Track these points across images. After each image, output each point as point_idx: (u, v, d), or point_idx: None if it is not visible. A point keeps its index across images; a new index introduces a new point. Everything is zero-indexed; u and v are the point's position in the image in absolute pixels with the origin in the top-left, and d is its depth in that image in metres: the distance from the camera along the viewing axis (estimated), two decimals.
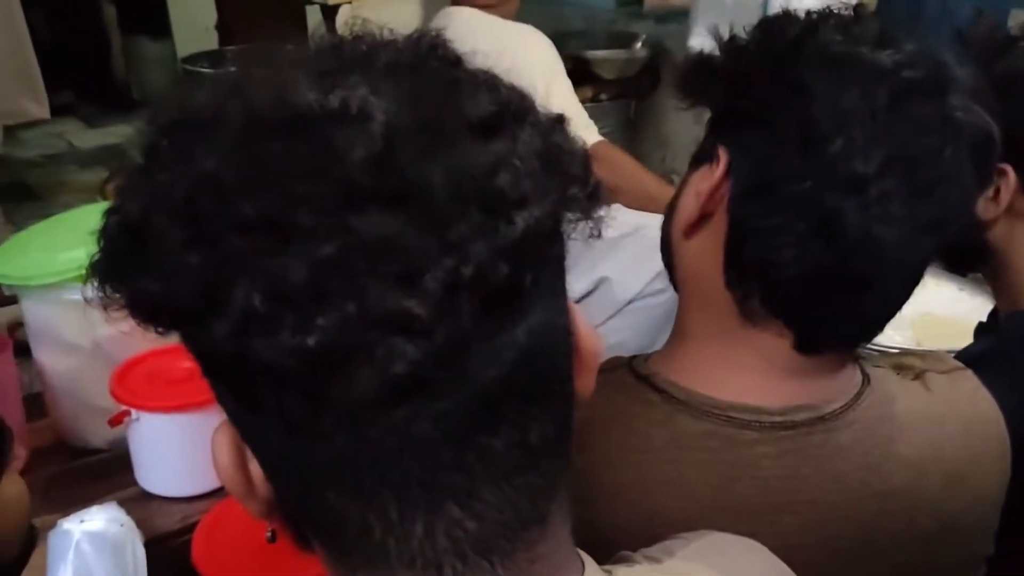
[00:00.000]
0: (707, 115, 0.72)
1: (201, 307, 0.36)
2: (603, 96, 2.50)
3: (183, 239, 0.36)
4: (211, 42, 3.57)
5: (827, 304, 0.66)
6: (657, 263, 0.77)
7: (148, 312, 0.39)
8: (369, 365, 0.36)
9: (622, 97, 2.57)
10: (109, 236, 0.40)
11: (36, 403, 1.25)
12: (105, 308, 0.40)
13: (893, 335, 1.31)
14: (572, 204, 0.41)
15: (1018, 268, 0.95)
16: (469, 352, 0.37)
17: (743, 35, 0.68)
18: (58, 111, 4.39)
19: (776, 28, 0.66)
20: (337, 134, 0.36)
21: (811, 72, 0.62)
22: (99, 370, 1.16)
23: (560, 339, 0.42)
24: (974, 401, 0.75)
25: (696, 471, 0.67)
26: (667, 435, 0.68)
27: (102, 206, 0.41)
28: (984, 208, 0.93)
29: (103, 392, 1.12)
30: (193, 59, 2.86)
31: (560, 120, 0.43)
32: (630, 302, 1.67)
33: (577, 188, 0.41)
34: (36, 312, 1.21)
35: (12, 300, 1.26)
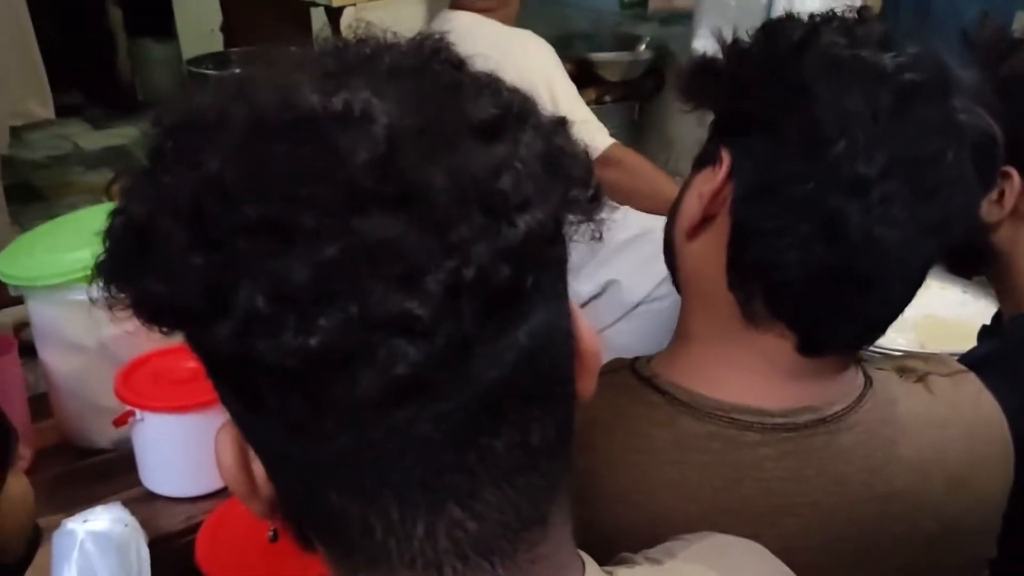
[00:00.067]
0: (711, 117, 0.72)
1: (205, 308, 0.37)
2: (607, 98, 2.50)
3: (187, 240, 0.37)
4: (216, 44, 3.58)
5: (829, 306, 0.66)
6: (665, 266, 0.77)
7: (152, 312, 0.40)
8: (371, 366, 0.36)
9: (626, 99, 2.57)
10: (114, 237, 0.40)
11: (41, 403, 1.26)
12: (110, 308, 0.40)
13: (896, 338, 1.31)
14: (574, 206, 0.41)
15: (1022, 271, 0.95)
16: (470, 353, 0.37)
17: (746, 38, 0.68)
18: (64, 112, 4.41)
19: (779, 31, 0.67)
20: (340, 136, 0.37)
21: (814, 74, 0.63)
22: (104, 370, 1.16)
23: (561, 341, 0.43)
24: (977, 404, 0.75)
25: (699, 472, 0.67)
26: (669, 436, 0.68)
27: (107, 207, 0.42)
28: (988, 211, 0.93)
29: (108, 392, 1.13)
30: (198, 61, 2.87)
31: (562, 123, 0.43)
32: (638, 305, 1.67)
33: (579, 190, 0.41)
34: (41, 313, 1.21)
35: (18, 301, 1.26)
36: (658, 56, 2.56)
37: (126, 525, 0.94)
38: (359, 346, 0.36)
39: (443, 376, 0.37)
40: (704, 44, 0.69)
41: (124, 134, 4.46)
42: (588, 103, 2.32)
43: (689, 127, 0.77)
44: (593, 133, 1.72)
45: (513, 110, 0.41)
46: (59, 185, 4.08)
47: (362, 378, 0.36)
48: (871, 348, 1.08)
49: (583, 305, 1.73)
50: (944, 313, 1.45)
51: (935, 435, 0.71)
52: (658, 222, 0.74)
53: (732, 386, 0.68)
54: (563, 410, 0.43)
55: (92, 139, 4.62)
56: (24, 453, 0.94)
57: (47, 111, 2.95)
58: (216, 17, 3.66)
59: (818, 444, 0.68)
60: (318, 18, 2.58)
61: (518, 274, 0.37)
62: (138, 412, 1.11)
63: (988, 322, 1.06)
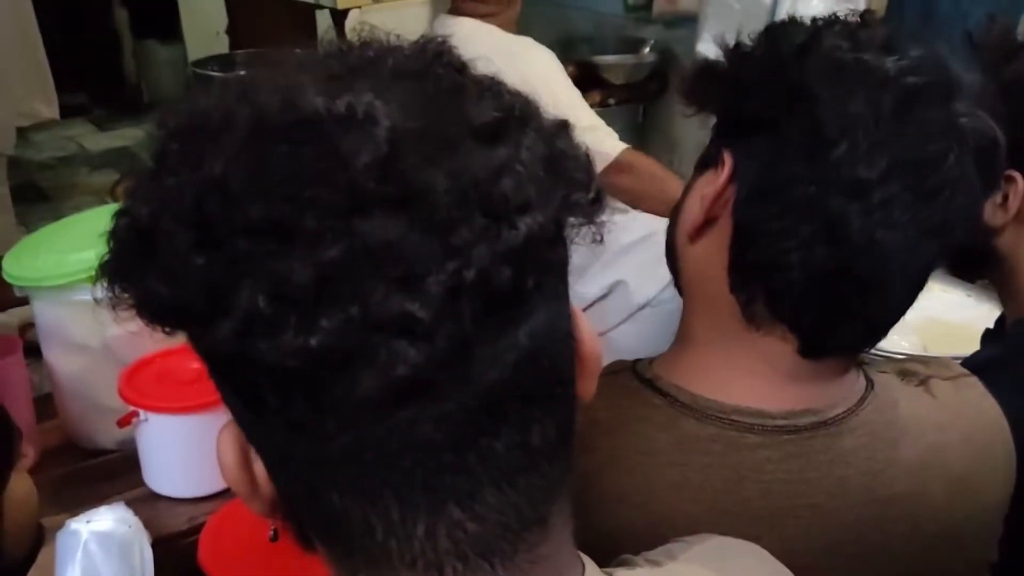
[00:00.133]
0: (714, 120, 0.72)
1: (206, 308, 0.37)
2: (611, 101, 2.49)
3: (190, 241, 0.37)
4: (222, 46, 3.59)
5: (831, 308, 0.66)
6: None
7: (155, 312, 0.40)
8: (371, 367, 0.36)
9: (630, 102, 2.57)
10: (118, 237, 0.41)
11: (46, 404, 1.26)
12: (113, 308, 0.41)
13: (900, 341, 1.31)
14: (575, 209, 0.41)
15: None
16: (471, 355, 0.37)
17: (748, 42, 0.68)
18: (70, 113, 4.41)
19: (782, 34, 0.67)
20: (342, 138, 0.37)
21: (816, 78, 0.63)
22: (108, 371, 1.16)
23: (562, 342, 0.43)
24: (979, 408, 0.75)
25: (700, 474, 0.67)
26: (671, 438, 0.68)
27: (112, 208, 0.42)
28: (992, 215, 0.93)
29: (112, 393, 1.13)
30: (203, 63, 2.87)
31: (564, 125, 0.43)
32: (644, 306, 1.67)
33: (580, 193, 0.41)
34: (46, 313, 1.22)
35: (23, 301, 1.26)
36: (662, 59, 2.56)
37: (129, 525, 0.94)
38: (360, 347, 0.36)
39: (444, 377, 0.37)
40: (708, 47, 0.69)
41: (129, 135, 4.48)
42: (592, 106, 2.32)
43: (693, 130, 0.77)
44: (603, 139, 1.72)
45: (515, 113, 0.41)
46: (64, 186, 4.09)
47: (363, 379, 0.36)
48: (874, 351, 1.09)
49: (589, 307, 1.74)
50: (947, 316, 1.45)
51: (936, 438, 0.71)
52: (664, 224, 0.74)
53: (733, 388, 0.68)
54: (564, 411, 0.43)
55: (97, 140, 4.64)
56: (27, 452, 0.95)
57: (52, 112, 2.95)
58: (222, 19, 3.67)
59: (819, 447, 0.68)
60: (323, 20, 2.58)
61: (519, 276, 0.37)
62: (142, 412, 1.12)
63: (991, 325, 1.06)
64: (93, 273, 0.41)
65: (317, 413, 0.38)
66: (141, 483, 1.17)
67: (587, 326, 0.46)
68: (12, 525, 0.88)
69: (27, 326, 1.33)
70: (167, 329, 0.40)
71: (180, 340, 0.41)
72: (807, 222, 0.63)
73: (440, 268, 0.36)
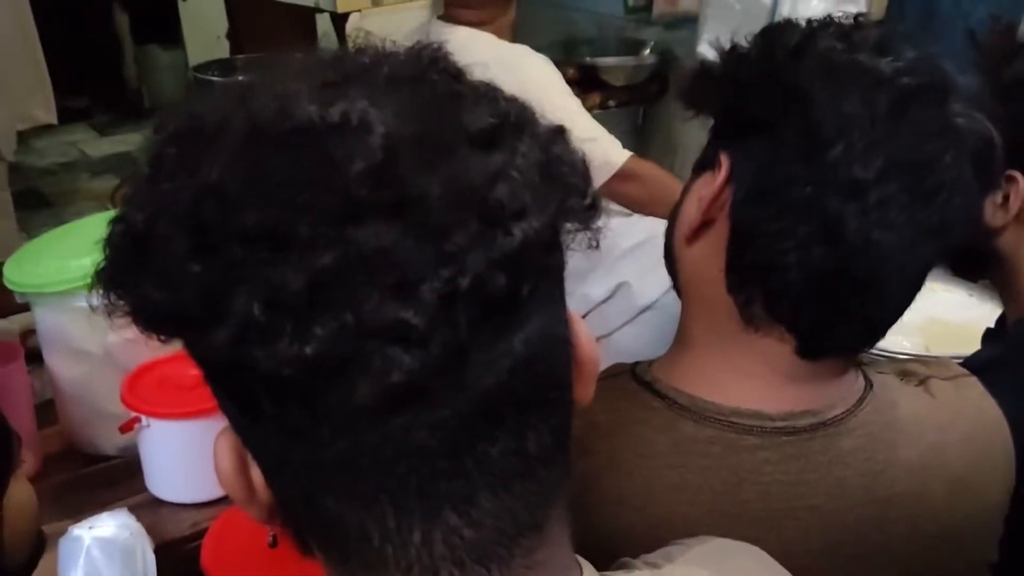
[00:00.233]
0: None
1: (202, 315, 0.37)
2: (611, 103, 2.49)
3: (185, 248, 0.37)
4: (222, 51, 3.59)
5: (828, 309, 0.66)
6: None
7: (150, 319, 0.40)
8: (366, 374, 0.36)
9: (631, 104, 2.57)
10: (114, 244, 0.41)
11: (48, 410, 1.26)
12: (109, 315, 0.41)
13: (902, 341, 1.31)
14: (571, 215, 0.41)
15: None
16: (466, 361, 0.37)
17: (745, 43, 0.68)
18: (71, 119, 4.42)
19: (777, 36, 0.67)
20: (337, 146, 0.37)
21: (811, 79, 0.63)
22: (110, 377, 1.16)
23: (559, 348, 0.43)
24: (978, 408, 0.75)
25: (698, 476, 0.67)
26: (669, 440, 0.68)
27: (113, 214, 0.42)
28: (993, 215, 0.93)
29: (114, 399, 1.13)
30: (204, 68, 2.88)
31: (560, 131, 0.43)
32: (647, 309, 1.67)
33: (576, 199, 0.41)
34: (48, 319, 1.22)
35: (24, 308, 1.27)
36: (662, 61, 2.56)
37: (132, 531, 0.94)
38: (354, 354, 0.36)
39: (439, 384, 0.37)
40: (708, 49, 0.70)
41: (130, 141, 4.48)
42: (592, 108, 2.32)
43: (693, 132, 0.77)
44: (607, 149, 1.71)
45: (510, 119, 0.41)
46: (66, 192, 4.10)
47: (358, 386, 0.36)
48: (875, 351, 1.08)
49: (593, 309, 1.73)
50: (949, 316, 1.45)
51: (936, 438, 0.71)
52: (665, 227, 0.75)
53: (732, 390, 0.68)
54: (560, 417, 0.43)
55: (98, 146, 4.64)
56: (27, 458, 0.95)
57: (50, 116, 2.96)
58: (222, 24, 3.67)
59: (818, 448, 0.68)
60: (323, 25, 2.59)
61: (514, 282, 0.37)
62: (144, 418, 1.12)
63: (993, 325, 1.05)
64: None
65: (312, 420, 0.38)
66: (143, 489, 1.17)
67: (584, 330, 0.46)
68: (12, 532, 0.88)
69: (28, 332, 1.33)
70: (162, 337, 0.40)
71: (181, 346, 0.41)
72: (804, 223, 0.63)
73: (434, 275, 0.36)
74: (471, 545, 0.41)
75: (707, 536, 0.57)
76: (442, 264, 0.36)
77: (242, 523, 1.04)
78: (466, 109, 0.40)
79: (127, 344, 1.17)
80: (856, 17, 0.67)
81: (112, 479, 1.20)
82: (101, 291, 0.41)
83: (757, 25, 0.70)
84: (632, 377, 0.73)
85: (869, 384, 0.72)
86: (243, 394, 0.40)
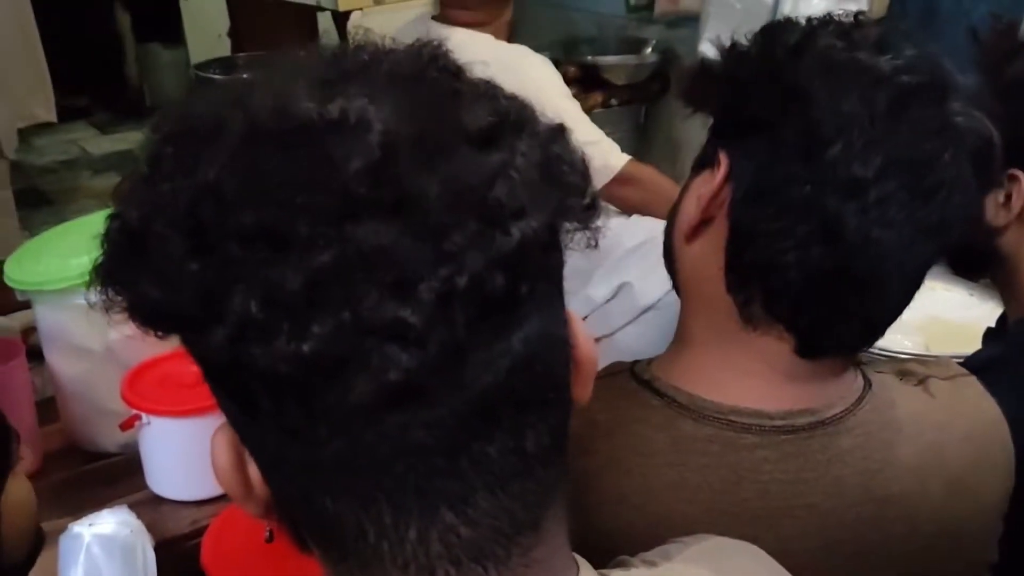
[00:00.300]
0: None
1: (199, 313, 0.37)
2: (613, 101, 2.49)
3: (183, 246, 0.37)
4: (224, 49, 3.59)
5: (827, 307, 0.66)
6: None
7: (147, 316, 0.40)
8: (364, 372, 0.36)
9: (632, 102, 2.56)
10: (112, 240, 0.41)
11: (48, 407, 1.26)
12: (107, 311, 0.41)
13: (902, 340, 1.30)
14: (570, 214, 0.41)
15: None
16: (464, 360, 0.37)
17: (744, 42, 0.68)
18: (72, 117, 4.43)
19: (776, 34, 0.67)
20: (335, 144, 0.37)
21: (810, 77, 0.63)
22: (111, 374, 1.16)
23: (557, 348, 0.43)
24: (977, 407, 0.75)
25: (697, 475, 0.67)
26: (668, 439, 0.68)
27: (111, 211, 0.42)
28: (995, 214, 0.92)
29: (114, 396, 1.13)
30: (206, 66, 2.87)
31: (560, 130, 0.43)
32: (649, 309, 1.66)
33: (576, 198, 0.41)
34: (49, 317, 1.22)
35: (25, 305, 1.27)
36: (664, 59, 2.56)
37: (132, 529, 0.94)
38: (352, 352, 0.36)
39: (436, 382, 0.37)
40: (710, 48, 0.70)
41: (132, 139, 4.47)
42: (594, 107, 2.32)
43: (695, 130, 0.77)
44: (607, 153, 1.72)
45: (510, 118, 0.41)
46: (67, 190, 4.10)
47: (355, 384, 0.36)
48: (875, 350, 1.08)
49: (596, 310, 1.73)
50: (950, 315, 1.45)
51: (934, 438, 0.71)
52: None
53: (731, 389, 0.68)
54: (558, 416, 0.43)
55: (100, 144, 4.65)
56: (25, 455, 0.95)
57: (49, 114, 2.97)
58: (224, 22, 3.67)
59: (816, 447, 0.68)
60: (324, 23, 2.59)
61: (512, 282, 0.37)
62: (144, 416, 1.12)
63: (993, 325, 1.05)
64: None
65: (310, 418, 0.38)
66: (144, 486, 1.17)
67: (582, 330, 0.46)
68: (10, 529, 0.88)
69: (30, 330, 1.33)
70: (159, 333, 0.40)
71: (180, 343, 0.41)
72: (803, 222, 0.63)
73: (432, 274, 0.36)
74: (468, 543, 0.41)
75: (705, 534, 0.57)
76: (440, 263, 0.36)
77: (242, 521, 1.04)
78: (465, 107, 0.40)
79: (128, 341, 1.17)
80: (856, 15, 0.67)
81: (112, 476, 1.20)
82: (98, 286, 0.41)
83: (758, 23, 0.70)
84: (631, 376, 0.73)
85: (868, 383, 0.72)
86: (241, 392, 0.40)
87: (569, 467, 0.45)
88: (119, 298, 0.40)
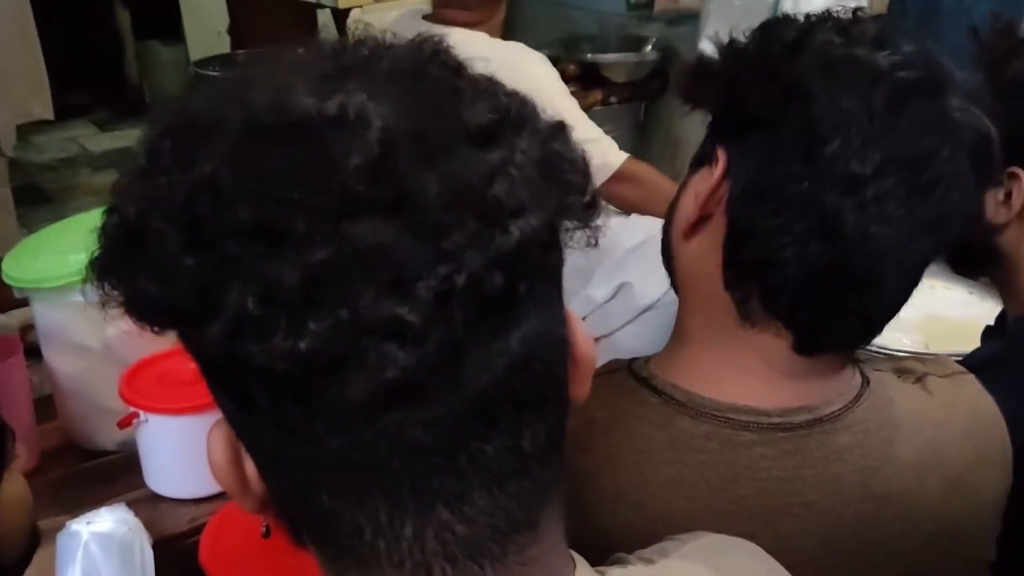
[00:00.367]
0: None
1: (196, 308, 0.37)
2: (613, 99, 2.49)
3: (180, 241, 0.37)
4: (223, 46, 3.59)
5: (825, 304, 0.66)
6: None
7: (144, 311, 0.40)
8: (361, 370, 0.36)
9: (632, 100, 2.56)
10: (109, 234, 0.40)
11: (46, 405, 1.26)
12: (103, 306, 0.41)
13: (901, 338, 1.30)
14: (570, 212, 0.41)
15: None
16: (462, 359, 0.37)
17: (742, 39, 0.68)
18: (72, 114, 4.43)
19: (775, 30, 0.67)
20: (334, 140, 0.37)
21: (809, 74, 0.63)
22: (109, 372, 1.16)
23: (555, 347, 0.43)
24: (975, 405, 0.75)
25: (695, 472, 0.67)
26: (666, 437, 0.68)
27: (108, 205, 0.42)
28: (996, 212, 0.92)
29: (112, 394, 1.13)
30: (205, 63, 2.88)
31: (560, 127, 0.43)
32: (649, 308, 1.66)
33: (575, 196, 0.41)
34: (47, 315, 1.22)
35: (23, 303, 1.26)
36: (664, 57, 2.55)
37: (130, 527, 0.94)
38: (349, 350, 0.36)
39: (434, 381, 0.37)
40: (710, 45, 0.69)
41: (131, 136, 4.44)
42: (594, 105, 2.32)
43: (695, 127, 0.76)
44: (605, 151, 1.72)
45: (510, 115, 0.40)
46: (66, 187, 4.10)
47: (352, 382, 0.36)
48: (876, 349, 1.08)
49: (596, 309, 1.73)
50: (949, 313, 1.45)
51: (933, 436, 0.71)
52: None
53: (729, 386, 0.68)
54: (556, 415, 0.43)
55: (99, 141, 4.65)
56: (21, 452, 0.94)
57: (46, 111, 2.98)
58: (223, 19, 3.67)
59: (814, 444, 0.68)
60: (324, 20, 2.59)
61: (511, 281, 0.37)
62: (142, 414, 1.11)
63: (993, 323, 1.05)
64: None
65: (307, 415, 0.38)
66: (142, 484, 1.17)
67: (581, 328, 0.45)
68: (6, 526, 0.88)
69: (28, 328, 1.33)
70: (156, 328, 0.40)
71: (177, 339, 0.41)
72: (801, 218, 0.63)
73: (431, 272, 0.36)
74: (463, 541, 0.41)
75: (702, 532, 0.57)
76: (439, 261, 0.36)
77: (240, 519, 1.04)
78: (466, 104, 0.40)
79: (126, 339, 1.17)
80: (854, 11, 0.67)
81: (110, 474, 1.20)
82: (95, 281, 0.40)
83: (758, 20, 0.70)
84: (629, 373, 0.72)
85: (866, 381, 0.72)
86: (238, 388, 0.39)
87: (566, 465, 0.45)
88: (116, 293, 0.40)
